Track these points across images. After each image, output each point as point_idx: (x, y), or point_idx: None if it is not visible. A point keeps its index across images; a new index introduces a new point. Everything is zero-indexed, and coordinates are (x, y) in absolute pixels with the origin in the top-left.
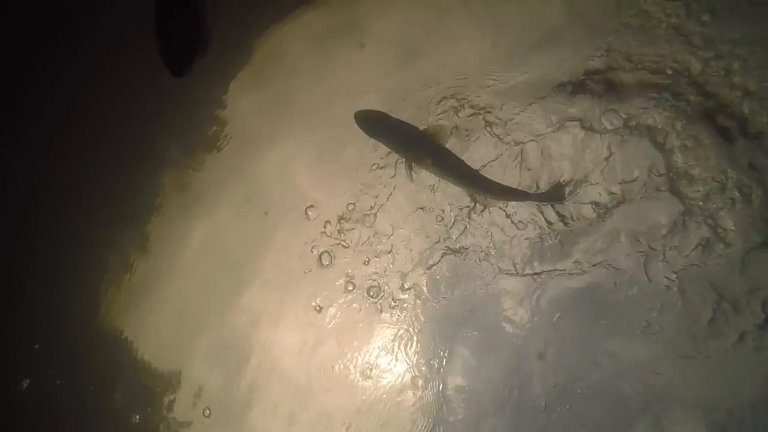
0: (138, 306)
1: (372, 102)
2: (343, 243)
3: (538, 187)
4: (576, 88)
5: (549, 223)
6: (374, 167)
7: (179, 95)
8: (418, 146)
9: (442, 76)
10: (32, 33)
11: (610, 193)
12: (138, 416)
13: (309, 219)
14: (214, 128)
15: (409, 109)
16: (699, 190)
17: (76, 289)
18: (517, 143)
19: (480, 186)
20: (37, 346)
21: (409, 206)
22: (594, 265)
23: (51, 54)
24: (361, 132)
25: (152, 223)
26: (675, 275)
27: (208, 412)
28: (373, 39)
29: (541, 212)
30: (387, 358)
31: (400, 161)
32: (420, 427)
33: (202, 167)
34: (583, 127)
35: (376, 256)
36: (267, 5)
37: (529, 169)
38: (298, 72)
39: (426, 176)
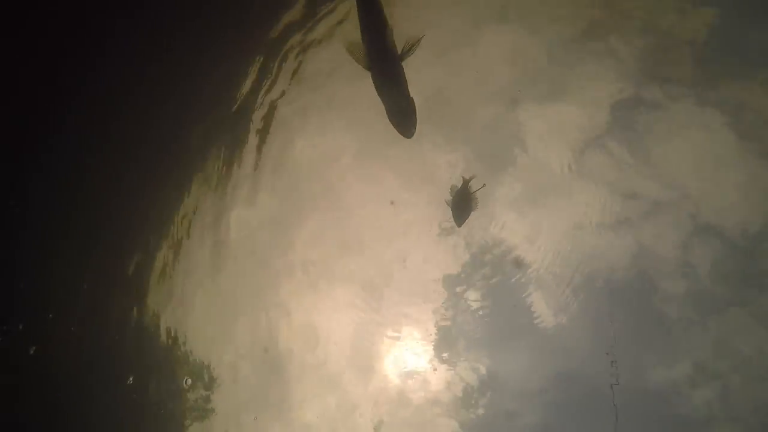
0: (175, 302)
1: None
2: None
3: None
4: None
5: None
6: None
7: (218, 94)
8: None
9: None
10: (62, 30)
11: None
12: (171, 405)
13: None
14: (256, 127)
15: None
16: None
17: (115, 282)
18: None
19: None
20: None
21: None
22: None
23: (84, 49)
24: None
25: (190, 217)
26: None
27: (241, 403)
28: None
29: None
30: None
31: None
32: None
33: (242, 164)
34: None
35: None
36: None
37: None
38: (337, 73)
39: None
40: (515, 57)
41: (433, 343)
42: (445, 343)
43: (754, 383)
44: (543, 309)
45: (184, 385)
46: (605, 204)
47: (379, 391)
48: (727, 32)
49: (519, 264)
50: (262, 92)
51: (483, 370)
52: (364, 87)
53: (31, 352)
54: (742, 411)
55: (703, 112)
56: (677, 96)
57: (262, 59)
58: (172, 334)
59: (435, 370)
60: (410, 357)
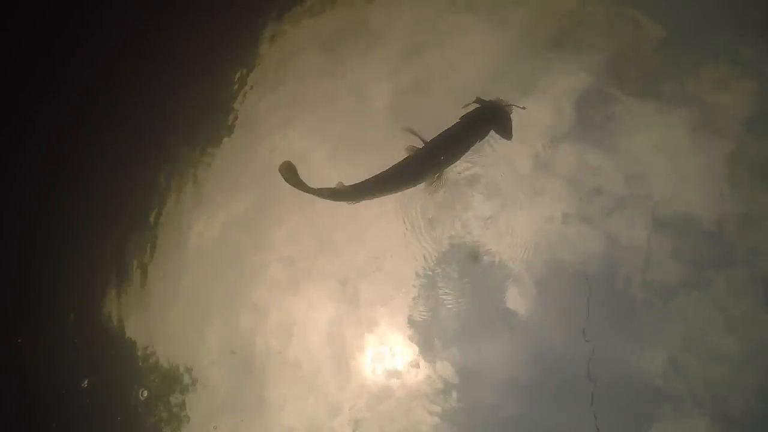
0: (145, 305)
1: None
2: None
3: None
4: None
5: None
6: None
7: (185, 94)
8: None
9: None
10: (34, 32)
11: None
12: (144, 415)
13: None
14: (223, 128)
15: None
16: None
17: (82, 289)
18: None
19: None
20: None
21: None
22: None
23: (53, 53)
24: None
25: (159, 221)
26: None
27: (216, 409)
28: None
29: None
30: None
31: None
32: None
33: (211, 165)
34: None
35: None
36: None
37: None
38: (307, 73)
39: None
40: (481, 53)
41: (411, 339)
42: (423, 337)
43: (711, 361)
44: (518, 301)
45: (140, 396)
46: (573, 197)
47: (359, 387)
48: (685, 30)
49: (480, 258)
50: (235, 92)
51: (462, 361)
52: (335, 87)
53: None
54: (699, 387)
55: (665, 109)
56: (640, 93)
57: (234, 59)
58: (136, 338)
59: (414, 365)
60: (389, 353)
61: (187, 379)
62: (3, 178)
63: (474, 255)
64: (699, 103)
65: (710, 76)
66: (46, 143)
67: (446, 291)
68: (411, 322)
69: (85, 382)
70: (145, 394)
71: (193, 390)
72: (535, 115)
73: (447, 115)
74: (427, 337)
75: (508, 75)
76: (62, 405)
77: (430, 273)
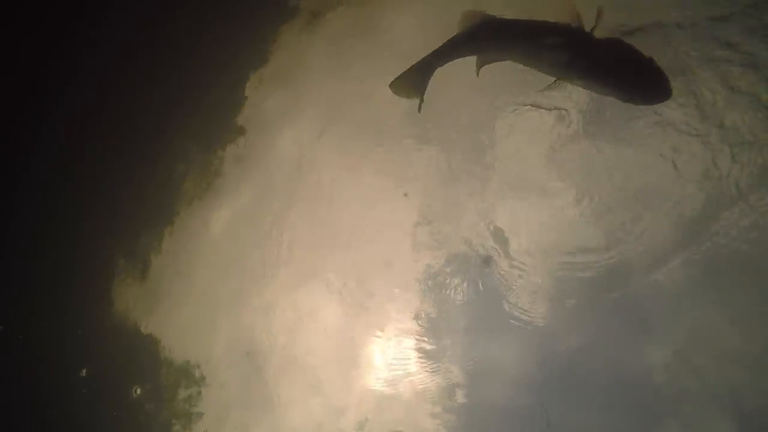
0: (156, 301)
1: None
2: None
3: None
4: None
5: None
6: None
7: (196, 94)
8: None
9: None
10: (44, 30)
11: None
12: (154, 411)
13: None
14: (233, 127)
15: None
16: None
17: (95, 285)
18: None
19: None
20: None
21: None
22: None
23: (65, 51)
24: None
25: (170, 219)
26: None
27: (225, 406)
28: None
29: None
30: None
31: None
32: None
33: (221, 164)
34: None
35: None
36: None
37: None
38: (315, 72)
39: None
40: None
41: (419, 338)
42: (432, 336)
43: (724, 362)
44: (526, 301)
45: (134, 394)
46: (582, 200)
47: (366, 386)
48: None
49: (490, 262)
50: (246, 93)
51: (469, 361)
52: (343, 86)
53: None
54: (717, 389)
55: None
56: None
57: (245, 61)
58: (145, 334)
59: (421, 363)
60: (396, 352)
61: (196, 376)
62: (13, 174)
63: (486, 259)
64: (699, 103)
65: (711, 74)
66: (58, 145)
67: (457, 290)
68: (420, 321)
69: (83, 371)
70: (139, 391)
71: (203, 386)
72: (539, 117)
73: (453, 112)
74: (437, 335)
75: (513, 74)
76: (63, 392)
77: (438, 274)
